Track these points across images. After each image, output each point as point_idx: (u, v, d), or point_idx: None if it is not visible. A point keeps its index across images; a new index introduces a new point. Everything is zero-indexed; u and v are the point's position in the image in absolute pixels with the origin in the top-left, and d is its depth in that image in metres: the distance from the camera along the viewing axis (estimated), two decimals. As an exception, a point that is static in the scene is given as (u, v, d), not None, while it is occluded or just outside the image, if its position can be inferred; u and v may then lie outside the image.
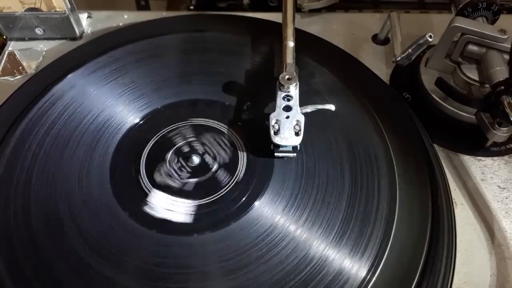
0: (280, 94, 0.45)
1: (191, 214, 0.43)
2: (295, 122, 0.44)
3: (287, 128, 0.44)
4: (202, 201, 0.43)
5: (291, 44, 0.49)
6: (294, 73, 0.46)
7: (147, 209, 0.43)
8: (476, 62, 0.51)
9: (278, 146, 0.44)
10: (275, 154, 0.45)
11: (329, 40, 0.59)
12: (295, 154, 0.45)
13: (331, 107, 0.46)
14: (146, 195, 0.44)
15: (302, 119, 0.44)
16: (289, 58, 0.48)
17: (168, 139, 0.48)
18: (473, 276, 0.44)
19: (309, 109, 0.45)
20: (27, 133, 0.48)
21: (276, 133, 0.44)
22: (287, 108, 0.45)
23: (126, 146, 0.48)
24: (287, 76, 0.46)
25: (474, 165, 0.51)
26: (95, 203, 0.44)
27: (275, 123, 0.44)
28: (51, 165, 0.46)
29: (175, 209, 0.43)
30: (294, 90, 0.45)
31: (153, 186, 0.45)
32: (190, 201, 0.44)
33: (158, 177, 0.45)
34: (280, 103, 0.45)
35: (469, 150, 0.51)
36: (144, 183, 0.45)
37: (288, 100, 0.45)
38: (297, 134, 0.44)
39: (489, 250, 0.45)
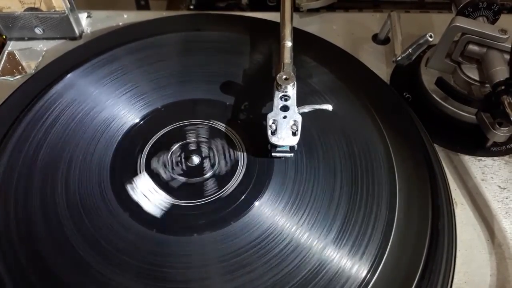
0: (278, 94, 0.45)
1: (162, 209, 0.43)
2: (292, 122, 0.44)
3: (285, 128, 0.43)
4: (179, 202, 0.44)
5: (288, 44, 0.49)
6: (292, 73, 0.46)
7: (128, 187, 0.44)
8: (477, 62, 0.51)
9: (275, 146, 0.44)
10: (272, 154, 0.45)
11: (329, 40, 0.59)
12: (292, 154, 0.45)
13: (329, 107, 0.45)
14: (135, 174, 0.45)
15: (299, 119, 0.44)
16: (287, 58, 0.48)
17: (168, 139, 0.48)
18: (473, 276, 0.43)
19: (307, 109, 0.45)
20: (27, 133, 0.48)
21: (273, 133, 0.43)
22: (285, 108, 0.44)
23: (127, 145, 0.48)
24: (284, 76, 0.46)
25: (474, 165, 0.50)
26: (95, 202, 0.44)
27: (273, 123, 0.44)
28: (51, 165, 0.46)
29: (151, 198, 0.44)
30: (291, 90, 0.45)
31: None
32: (168, 196, 0.44)
33: (154, 163, 0.46)
34: (278, 103, 0.45)
35: (469, 150, 0.51)
36: (139, 166, 0.45)
37: (286, 100, 0.45)
38: (294, 134, 0.43)
39: (489, 250, 0.45)
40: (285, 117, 0.44)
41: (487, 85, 0.49)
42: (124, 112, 0.50)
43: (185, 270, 0.39)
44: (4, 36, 0.64)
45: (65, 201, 0.43)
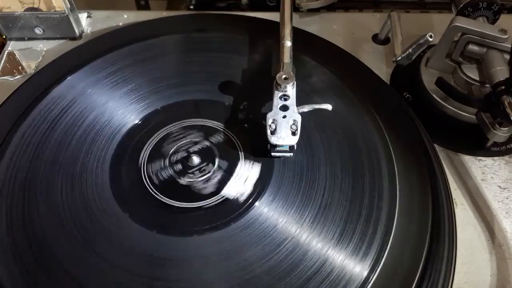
0: (277, 94, 0.45)
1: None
2: (291, 122, 0.44)
3: (284, 127, 0.43)
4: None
5: (288, 43, 0.49)
6: (291, 72, 0.46)
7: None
8: (477, 62, 0.51)
9: (274, 145, 0.44)
10: (272, 153, 0.45)
11: (329, 40, 0.59)
12: (291, 154, 0.45)
13: (328, 106, 0.45)
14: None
15: (299, 118, 0.44)
16: (286, 57, 0.48)
17: (168, 140, 0.48)
18: (473, 276, 0.43)
19: (306, 108, 0.45)
20: (28, 133, 0.48)
21: (272, 132, 0.43)
22: (284, 108, 0.44)
23: (127, 146, 0.48)
24: (284, 76, 0.46)
25: (474, 165, 0.50)
26: (95, 202, 0.43)
27: (272, 122, 0.44)
28: (51, 165, 0.46)
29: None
30: (291, 89, 0.45)
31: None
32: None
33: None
34: (277, 102, 0.45)
35: (470, 150, 0.51)
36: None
37: (285, 99, 0.45)
38: (293, 133, 0.43)
39: (489, 250, 0.45)
40: (284, 116, 0.44)
41: (487, 85, 0.48)
42: (124, 113, 0.50)
43: (186, 270, 0.39)
44: (4, 36, 0.64)
45: (65, 201, 0.43)
